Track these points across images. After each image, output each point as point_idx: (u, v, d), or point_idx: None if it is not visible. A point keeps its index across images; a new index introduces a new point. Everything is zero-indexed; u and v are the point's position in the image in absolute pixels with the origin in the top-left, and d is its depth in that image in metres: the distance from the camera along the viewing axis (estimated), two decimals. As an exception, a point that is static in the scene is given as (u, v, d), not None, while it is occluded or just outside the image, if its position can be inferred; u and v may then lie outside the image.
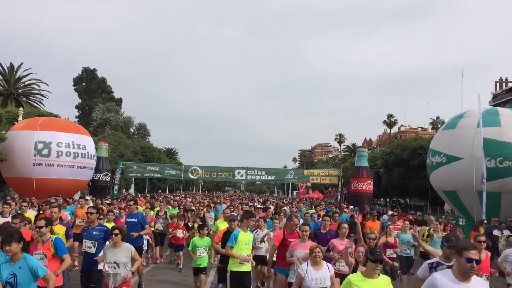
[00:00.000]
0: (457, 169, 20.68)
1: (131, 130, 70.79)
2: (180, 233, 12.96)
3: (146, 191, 46.97)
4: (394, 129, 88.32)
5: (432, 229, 11.75)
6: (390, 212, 15.10)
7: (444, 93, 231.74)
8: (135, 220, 10.26)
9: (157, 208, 15.14)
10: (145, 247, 12.07)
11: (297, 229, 8.20)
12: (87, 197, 17.10)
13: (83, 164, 26.79)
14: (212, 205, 19.76)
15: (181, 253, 12.97)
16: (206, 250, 9.26)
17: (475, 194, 19.24)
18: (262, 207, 15.30)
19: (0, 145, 24.90)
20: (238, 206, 16.99)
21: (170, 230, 13.27)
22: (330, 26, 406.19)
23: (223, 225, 10.13)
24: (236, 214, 12.57)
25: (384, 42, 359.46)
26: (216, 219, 14.54)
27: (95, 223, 7.74)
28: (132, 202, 11.25)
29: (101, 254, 7.20)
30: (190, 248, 9.26)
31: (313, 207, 19.14)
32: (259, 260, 9.28)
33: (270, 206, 16.84)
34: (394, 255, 10.12)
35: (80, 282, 7.76)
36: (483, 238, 7.21)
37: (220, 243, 8.45)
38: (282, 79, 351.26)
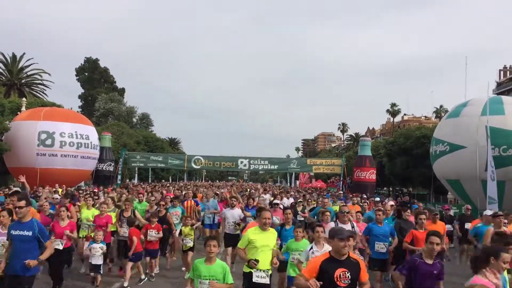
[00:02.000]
0: (460, 157, 20.63)
1: (134, 120, 70.86)
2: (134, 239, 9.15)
3: (150, 181, 47.10)
4: (398, 118, 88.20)
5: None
6: (489, 212, 9.92)
7: (447, 82, 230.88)
8: (28, 233, 5.83)
9: (122, 206, 10.34)
10: (99, 261, 8.74)
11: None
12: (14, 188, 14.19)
13: (86, 154, 26.88)
14: (198, 196, 15.76)
15: (139, 263, 9.27)
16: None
17: (479, 182, 19.17)
18: (278, 202, 12.56)
19: (4, 136, 25.02)
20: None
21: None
22: (332, 14, 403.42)
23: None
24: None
25: (386, 30, 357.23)
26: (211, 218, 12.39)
27: None
28: (23, 203, 5.92)
29: None
30: (190, 276, 5.43)
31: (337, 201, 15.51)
32: None
33: (278, 201, 13.57)
34: None
35: None
36: None
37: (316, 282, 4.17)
38: (284, 68, 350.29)
